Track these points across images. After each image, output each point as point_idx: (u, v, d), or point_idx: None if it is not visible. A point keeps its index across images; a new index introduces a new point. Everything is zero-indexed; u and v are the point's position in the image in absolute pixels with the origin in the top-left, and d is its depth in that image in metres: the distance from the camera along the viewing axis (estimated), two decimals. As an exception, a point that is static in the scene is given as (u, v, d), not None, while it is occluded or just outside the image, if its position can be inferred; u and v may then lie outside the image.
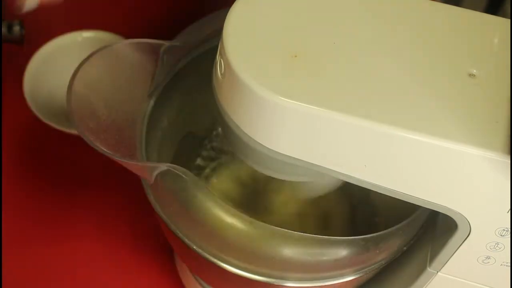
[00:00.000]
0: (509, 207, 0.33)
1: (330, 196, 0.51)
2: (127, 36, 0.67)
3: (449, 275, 0.41)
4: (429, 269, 0.42)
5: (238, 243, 0.40)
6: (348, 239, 0.40)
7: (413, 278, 0.44)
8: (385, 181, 0.34)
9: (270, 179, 0.42)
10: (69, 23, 0.70)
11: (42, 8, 0.35)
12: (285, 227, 0.39)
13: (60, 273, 0.58)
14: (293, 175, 0.40)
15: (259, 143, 0.35)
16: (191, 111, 0.51)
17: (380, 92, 0.32)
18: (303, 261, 0.41)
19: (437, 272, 0.42)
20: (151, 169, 0.39)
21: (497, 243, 0.36)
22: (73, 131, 0.61)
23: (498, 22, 0.37)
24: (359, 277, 0.43)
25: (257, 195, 0.53)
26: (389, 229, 0.40)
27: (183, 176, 0.39)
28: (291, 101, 0.32)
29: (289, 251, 0.40)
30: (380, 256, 0.43)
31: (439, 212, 0.36)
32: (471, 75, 0.34)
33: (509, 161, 0.31)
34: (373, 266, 0.43)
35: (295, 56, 0.33)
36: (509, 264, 0.38)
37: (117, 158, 0.37)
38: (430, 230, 0.43)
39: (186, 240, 0.42)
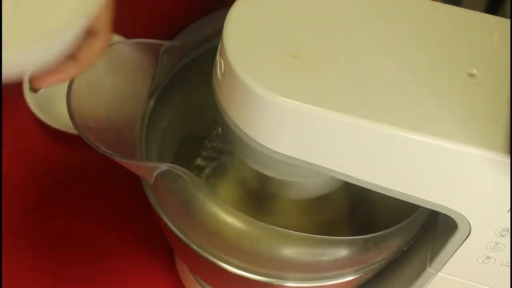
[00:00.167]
0: (509, 207, 0.33)
1: (330, 196, 0.51)
2: (127, 36, 0.67)
3: (449, 275, 0.41)
4: (429, 269, 0.42)
5: (238, 243, 0.40)
6: (348, 239, 0.40)
7: (413, 278, 0.44)
8: (385, 181, 0.34)
9: (270, 179, 0.42)
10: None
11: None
12: (285, 227, 0.39)
13: (60, 271, 0.58)
14: (293, 175, 0.40)
15: (259, 143, 0.35)
16: (191, 111, 0.51)
17: (380, 92, 0.32)
18: (303, 261, 0.41)
19: (437, 272, 0.42)
20: (151, 169, 0.39)
21: (497, 243, 0.36)
22: (73, 131, 0.61)
23: (498, 22, 0.37)
24: (359, 277, 0.43)
25: (257, 195, 0.53)
26: (389, 229, 0.40)
27: (183, 176, 0.39)
28: (291, 101, 0.32)
29: (289, 251, 0.40)
30: (380, 256, 0.43)
31: (439, 212, 0.36)
32: (471, 75, 0.34)
33: (509, 161, 0.31)
34: (373, 266, 0.43)
35: (295, 56, 0.33)
36: (509, 264, 0.38)
37: (117, 158, 0.37)
38: (430, 230, 0.43)
39: (186, 240, 0.42)
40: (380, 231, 0.40)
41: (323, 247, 0.40)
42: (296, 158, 0.35)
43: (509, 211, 0.34)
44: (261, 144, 0.35)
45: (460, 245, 0.38)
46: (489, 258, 0.38)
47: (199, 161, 0.57)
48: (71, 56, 0.36)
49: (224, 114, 0.36)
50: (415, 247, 0.44)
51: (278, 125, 0.33)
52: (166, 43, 0.44)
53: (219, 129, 0.55)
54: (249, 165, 0.40)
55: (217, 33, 0.35)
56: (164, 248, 0.60)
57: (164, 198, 0.43)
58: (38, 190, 0.63)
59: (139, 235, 0.61)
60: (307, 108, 0.32)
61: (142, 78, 0.45)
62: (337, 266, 0.41)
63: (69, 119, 0.39)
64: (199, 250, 0.42)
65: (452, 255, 0.39)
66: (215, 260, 0.42)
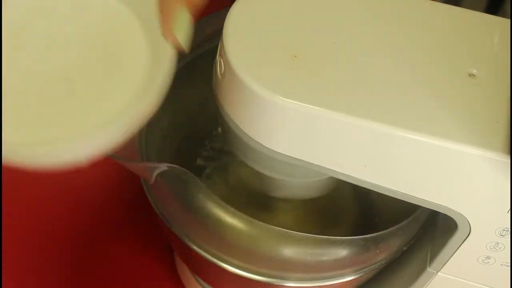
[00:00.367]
0: (509, 207, 0.33)
1: (330, 196, 0.51)
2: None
3: (449, 275, 0.41)
4: (429, 269, 0.42)
5: (238, 243, 0.40)
6: (348, 239, 0.40)
7: (413, 278, 0.44)
8: (385, 181, 0.34)
9: (270, 179, 0.42)
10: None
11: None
12: (285, 227, 0.39)
13: (59, 272, 0.58)
14: (293, 175, 0.40)
15: (259, 143, 0.35)
16: (191, 111, 0.51)
17: (380, 92, 0.32)
18: (303, 261, 0.41)
19: (437, 272, 0.42)
20: (151, 169, 0.39)
21: (497, 243, 0.36)
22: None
23: (498, 22, 0.37)
24: (359, 277, 0.43)
25: (257, 195, 0.53)
26: (389, 229, 0.40)
27: (183, 176, 0.39)
28: (291, 101, 0.32)
29: (289, 251, 0.40)
30: (380, 256, 0.43)
31: (439, 212, 0.36)
32: (471, 75, 0.34)
33: (509, 161, 0.31)
34: (373, 266, 0.43)
35: (295, 56, 0.33)
36: (509, 264, 0.38)
37: (117, 158, 0.37)
38: (430, 230, 0.43)
39: (186, 240, 0.42)
40: (380, 231, 0.40)
41: (323, 247, 0.40)
42: (296, 158, 0.35)
43: (509, 211, 0.34)
44: (261, 144, 0.35)
45: (460, 245, 0.38)
46: (489, 258, 0.38)
47: (199, 161, 0.57)
48: None
49: (224, 114, 0.36)
50: (415, 247, 0.44)
51: (278, 125, 0.33)
52: (166, 43, 0.44)
53: (219, 129, 0.55)
54: (249, 165, 0.40)
55: (217, 33, 0.35)
56: (164, 248, 0.60)
57: (164, 198, 0.43)
58: (38, 188, 0.63)
59: (139, 235, 0.61)
60: (307, 108, 0.32)
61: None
62: (337, 266, 0.41)
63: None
64: (199, 250, 0.42)
65: (452, 255, 0.39)
66: (215, 260, 0.42)
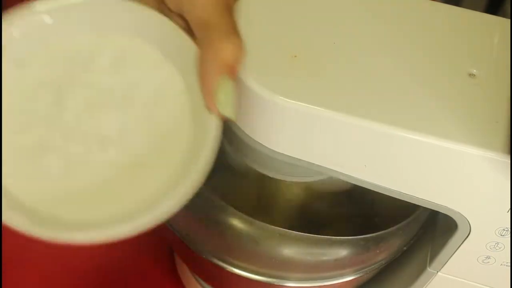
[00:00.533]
0: (509, 207, 0.33)
1: (330, 196, 0.51)
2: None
3: (449, 275, 0.41)
4: (429, 269, 0.42)
5: (238, 243, 0.40)
6: (348, 239, 0.40)
7: (413, 278, 0.44)
8: (385, 181, 0.34)
9: (270, 179, 0.42)
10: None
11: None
12: (285, 227, 0.39)
13: (59, 272, 0.58)
14: (293, 175, 0.40)
15: (259, 143, 0.35)
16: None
17: (380, 92, 0.32)
18: (303, 261, 0.41)
19: (437, 272, 0.42)
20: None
21: (497, 243, 0.36)
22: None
23: (498, 22, 0.37)
24: (359, 277, 0.43)
25: (257, 195, 0.53)
26: (389, 229, 0.40)
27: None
28: (291, 101, 0.32)
29: (289, 251, 0.40)
30: (380, 256, 0.43)
31: (439, 212, 0.36)
32: (471, 75, 0.34)
33: (509, 161, 0.31)
34: (373, 266, 0.43)
35: (295, 56, 0.33)
36: (509, 264, 0.38)
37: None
38: (430, 230, 0.43)
39: (186, 241, 0.42)
40: (380, 231, 0.40)
41: (323, 247, 0.40)
42: (296, 158, 0.35)
43: (509, 211, 0.34)
44: (261, 144, 0.35)
45: (460, 245, 0.38)
46: (489, 258, 0.38)
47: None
48: None
49: (224, 114, 0.36)
50: (415, 247, 0.44)
51: (278, 125, 0.33)
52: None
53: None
54: (249, 165, 0.40)
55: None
56: (164, 248, 0.60)
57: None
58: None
59: (139, 235, 0.61)
60: (307, 108, 0.32)
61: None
62: (337, 266, 0.41)
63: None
64: (199, 251, 0.42)
65: (452, 255, 0.39)
66: (215, 260, 0.42)
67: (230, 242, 0.41)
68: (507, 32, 0.36)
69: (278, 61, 0.33)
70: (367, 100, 0.32)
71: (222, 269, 0.42)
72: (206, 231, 0.41)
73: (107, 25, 0.29)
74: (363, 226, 0.53)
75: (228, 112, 0.28)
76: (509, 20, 0.37)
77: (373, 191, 0.35)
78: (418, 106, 0.32)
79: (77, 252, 0.59)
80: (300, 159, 0.35)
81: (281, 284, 0.42)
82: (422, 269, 0.43)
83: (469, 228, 0.36)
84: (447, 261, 0.40)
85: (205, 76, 0.28)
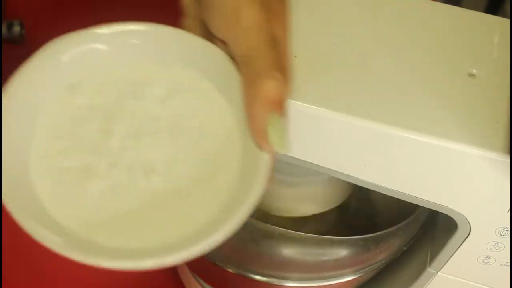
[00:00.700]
0: (509, 207, 0.33)
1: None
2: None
3: (449, 275, 0.41)
4: (429, 269, 0.42)
5: (238, 243, 0.40)
6: (348, 239, 0.40)
7: (413, 278, 0.44)
8: (385, 181, 0.34)
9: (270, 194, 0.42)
10: (69, 23, 0.70)
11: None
12: (285, 227, 0.39)
13: (58, 271, 0.58)
14: (293, 175, 0.40)
15: (259, 143, 0.35)
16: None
17: (380, 92, 0.32)
18: (303, 261, 0.41)
19: (437, 272, 0.42)
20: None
21: (497, 243, 0.36)
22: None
23: (498, 22, 0.37)
24: (359, 277, 0.43)
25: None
26: (389, 229, 0.40)
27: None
28: (291, 101, 0.32)
29: (289, 251, 0.40)
30: (380, 256, 0.43)
31: (439, 212, 0.36)
32: (471, 75, 0.34)
33: (509, 161, 0.31)
34: (373, 266, 0.43)
35: (295, 56, 0.33)
36: (509, 264, 0.38)
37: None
38: (430, 230, 0.43)
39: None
40: (380, 231, 0.40)
41: (323, 247, 0.40)
42: (296, 158, 0.35)
43: (509, 211, 0.34)
44: (261, 144, 0.35)
45: (460, 245, 0.38)
46: (489, 258, 0.38)
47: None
48: None
49: (224, 114, 0.36)
50: (415, 247, 0.44)
51: (278, 125, 0.33)
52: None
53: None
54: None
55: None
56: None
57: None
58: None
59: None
60: (307, 108, 0.32)
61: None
62: (337, 266, 0.41)
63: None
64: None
65: (452, 255, 0.39)
66: (215, 260, 0.42)
67: (230, 242, 0.41)
68: (507, 32, 0.36)
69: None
70: (367, 100, 0.32)
71: (222, 269, 0.42)
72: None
73: (161, 54, 0.29)
74: (363, 226, 0.53)
75: (280, 148, 0.27)
76: (509, 20, 0.37)
77: (373, 191, 0.35)
78: (418, 106, 0.32)
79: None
80: (300, 159, 0.35)
81: (281, 284, 0.42)
82: (422, 269, 0.43)
83: (469, 228, 0.36)
84: (447, 261, 0.40)
85: (251, 115, 0.27)
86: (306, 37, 0.34)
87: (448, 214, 0.35)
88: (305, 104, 0.32)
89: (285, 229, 0.38)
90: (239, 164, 0.27)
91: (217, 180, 0.27)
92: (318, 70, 0.33)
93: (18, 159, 0.27)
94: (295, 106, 0.32)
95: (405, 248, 0.43)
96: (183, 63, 0.29)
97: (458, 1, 0.67)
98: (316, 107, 0.32)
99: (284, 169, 0.39)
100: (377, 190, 0.35)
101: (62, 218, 0.26)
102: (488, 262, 0.38)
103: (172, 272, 0.59)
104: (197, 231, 0.26)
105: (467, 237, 0.37)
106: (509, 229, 0.35)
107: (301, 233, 0.39)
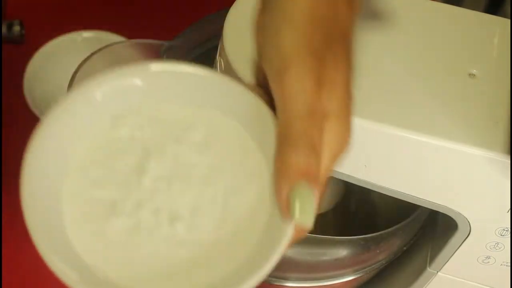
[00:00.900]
0: (509, 207, 0.33)
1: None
2: (127, 36, 0.67)
3: (449, 275, 0.41)
4: (429, 269, 0.42)
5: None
6: (348, 239, 0.40)
7: (413, 278, 0.44)
8: (385, 181, 0.34)
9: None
10: (69, 23, 0.70)
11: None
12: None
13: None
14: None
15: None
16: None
17: (380, 92, 0.32)
18: (303, 261, 0.41)
19: (437, 272, 0.42)
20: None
21: (497, 243, 0.36)
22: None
23: (498, 22, 0.37)
24: (359, 277, 0.43)
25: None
26: (389, 229, 0.40)
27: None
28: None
29: (289, 251, 0.40)
30: (380, 256, 0.43)
31: (439, 212, 0.36)
32: (471, 75, 0.34)
33: (509, 161, 0.31)
34: (373, 266, 0.43)
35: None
36: (509, 264, 0.38)
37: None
38: (430, 230, 0.43)
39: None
40: (380, 231, 0.40)
41: (324, 247, 0.40)
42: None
43: (509, 211, 0.34)
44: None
45: (460, 245, 0.38)
46: (489, 258, 0.38)
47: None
48: None
49: (224, 114, 0.36)
50: (415, 247, 0.44)
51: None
52: (166, 43, 0.44)
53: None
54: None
55: (217, 33, 0.35)
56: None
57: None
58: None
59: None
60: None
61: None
62: (337, 266, 0.41)
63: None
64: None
65: (452, 255, 0.39)
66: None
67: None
68: (507, 32, 0.36)
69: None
70: (367, 100, 0.32)
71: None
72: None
73: (205, 98, 0.29)
74: (363, 226, 0.53)
75: (304, 222, 0.25)
76: (509, 20, 0.37)
77: (373, 191, 0.35)
78: (418, 106, 0.32)
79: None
80: (300, 159, 0.35)
81: (281, 284, 0.42)
82: (422, 269, 0.43)
83: (469, 228, 0.36)
84: (447, 261, 0.40)
85: (275, 185, 0.25)
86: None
87: (448, 214, 0.35)
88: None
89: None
90: (263, 227, 0.26)
91: (237, 240, 0.26)
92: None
93: (51, 185, 0.27)
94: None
95: (405, 248, 0.43)
96: (224, 111, 0.29)
97: (458, 1, 0.67)
98: (316, 107, 0.31)
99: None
100: (377, 190, 0.35)
101: (81, 248, 0.26)
102: (488, 262, 0.38)
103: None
104: (207, 287, 0.26)
105: (467, 237, 0.37)
106: (509, 229, 0.35)
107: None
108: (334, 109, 0.25)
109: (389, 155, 0.33)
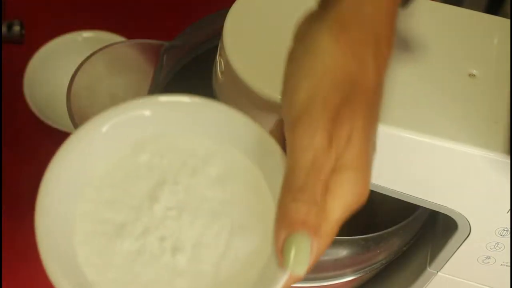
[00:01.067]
0: (509, 207, 0.33)
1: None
2: (127, 36, 0.67)
3: (449, 275, 0.41)
4: (429, 269, 0.42)
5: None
6: (348, 238, 0.40)
7: (413, 278, 0.44)
8: (385, 181, 0.34)
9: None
10: (69, 23, 0.70)
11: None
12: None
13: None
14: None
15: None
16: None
17: (380, 92, 0.32)
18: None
19: (437, 272, 0.42)
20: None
21: (497, 243, 0.36)
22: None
23: (498, 22, 0.37)
24: (359, 277, 0.43)
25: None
26: (389, 229, 0.40)
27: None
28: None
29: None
30: (380, 256, 0.43)
31: (439, 212, 0.36)
32: (471, 75, 0.34)
33: (509, 161, 0.31)
34: (373, 266, 0.43)
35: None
36: (509, 264, 0.38)
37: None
38: (430, 230, 0.43)
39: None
40: (380, 231, 0.40)
41: (323, 247, 0.40)
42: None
43: (509, 211, 0.34)
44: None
45: (460, 245, 0.38)
46: (489, 258, 0.38)
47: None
48: None
49: (224, 114, 0.36)
50: (415, 247, 0.44)
51: (278, 125, 0.33)
52: (166, 43, 0.44)
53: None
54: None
55: (217, 33, 0.35)
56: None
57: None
58: (38, 189, 0.62)
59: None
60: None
61: (142, 78, 0.45)
62: (338, 266, 0.41)
63: (69, 119, 0.39)
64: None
65: (452, 255, 0.39)
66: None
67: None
68: (507, 32, 0.36)
69: (278, 60, 0.33)
70: (367, 100, 0.32)
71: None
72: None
73: (224, 133, 0.29)
74: (363, 226, 0.53)
75: (296, 271, 0.25)
76: (509, 20, 0.37)
77: (373, 191, 0.35)
78: (418, 106, 0.32)
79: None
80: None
81: (281, 284, 0.42)
82: (422, 269, 0.43)
83: (469, 228, 0.36)
84: (447, 261, 0.40)
85: (275, 228, 0.25)
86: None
87: (448, 214, 0.35)
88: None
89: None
90: (261, 270, 0.26)
91: (235, 278, 0.27)
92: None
93: (66, 205, 0.27)
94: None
95: (405, 248, 0.43)
96: (239, 148, 0.29)
97: (458, 1, 0.67)
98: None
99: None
100: (377, 190, 0.35)
101: (85, 264, 0.26)
102: (488, 262, 0.38)
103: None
104: None
105: (467, 237, 0.37)
106: (509, 229, 0.35)
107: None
108: (350, 163, 0.25)
109: (389, 156, 0.33)
